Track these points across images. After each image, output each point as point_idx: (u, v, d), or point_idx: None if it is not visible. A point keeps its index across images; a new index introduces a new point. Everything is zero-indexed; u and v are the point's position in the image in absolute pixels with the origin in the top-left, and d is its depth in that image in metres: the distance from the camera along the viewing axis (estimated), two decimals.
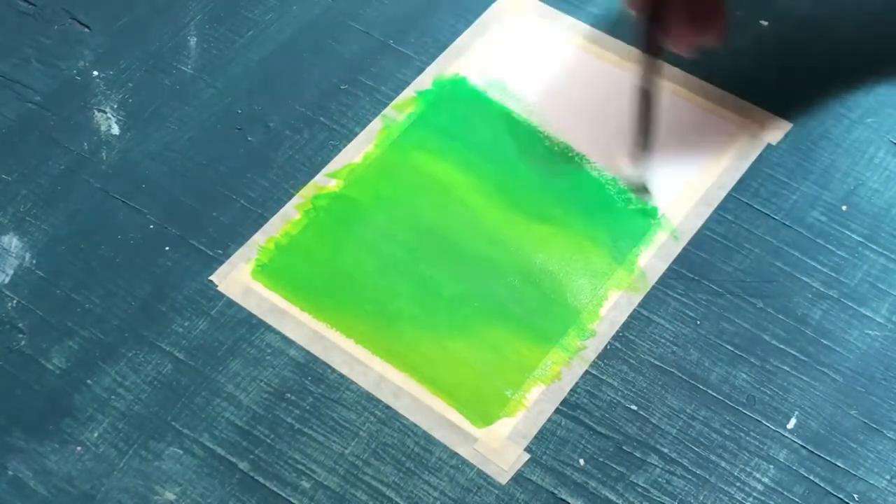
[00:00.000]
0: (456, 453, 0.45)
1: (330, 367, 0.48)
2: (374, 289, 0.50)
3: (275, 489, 0.45)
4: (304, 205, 0.52)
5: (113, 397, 0.47)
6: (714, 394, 0.47)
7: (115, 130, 0.55)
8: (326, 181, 0.53)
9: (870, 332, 0.48)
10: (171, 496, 0.45)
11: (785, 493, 0.44)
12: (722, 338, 0.48)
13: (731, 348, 0.48)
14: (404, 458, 0.45)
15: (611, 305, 0.49)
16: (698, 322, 0.48)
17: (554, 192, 0.52)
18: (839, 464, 0.45)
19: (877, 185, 0.53)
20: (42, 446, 0.46)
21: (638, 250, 0.50)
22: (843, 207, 0.52)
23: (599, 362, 0.47)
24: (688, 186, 0.52)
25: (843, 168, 0.53)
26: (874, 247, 0.51)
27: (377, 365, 0.48)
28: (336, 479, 0.45)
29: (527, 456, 0.45)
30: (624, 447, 0.45)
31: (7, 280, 0.50)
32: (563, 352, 0.48)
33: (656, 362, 0.47)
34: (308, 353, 0.48)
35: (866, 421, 0.46)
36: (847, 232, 0.51)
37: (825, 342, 0.48)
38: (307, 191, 0.53)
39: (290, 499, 0.44)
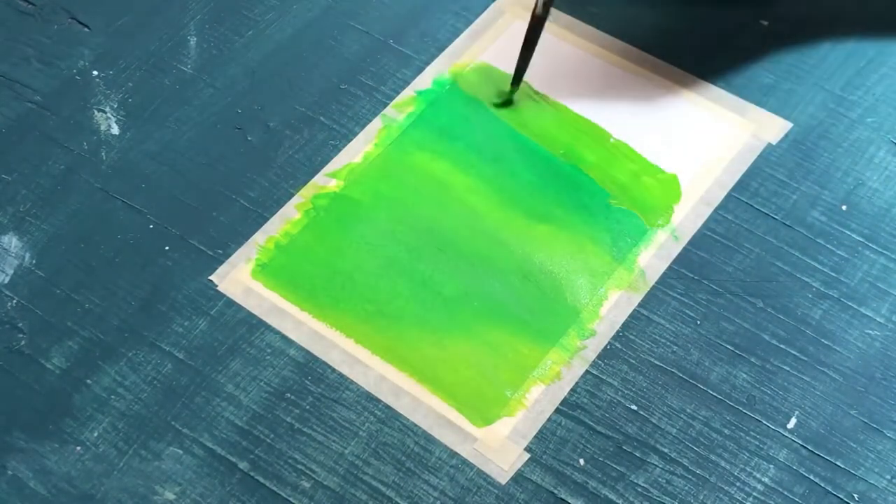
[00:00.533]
0: (456, 453, 0.45)
1: (330, 366, 0.48)
2: (374, 289, 0.50)
3: (275, 489, 0.45)
4: (304, 204, 0.52)
5: (113, 397, 0.47)
6: (714, 394, 0.47)
7: (115, 130, 0.55)
8: (326, 181, 0.53)
9: (870, 331, 0.48)
10: (170, 496, 0.45)
11: (785, 492, 0.44)
12: (722, 337, 0.48)
13: (731, 348, 0.48)
14: (404, 458, 0.45)
15: (611, 305, 0.49)
16: (698, 322, 0.48)
17: (554, 192, 0.52)
18: (839, 464, 0.45)
19: (877, 184, 0.53)
20: (42, 446, 0.46)
21: (638, 250, 0.50)
22: (843, 207, 0.52)
23: (599, 362, 0.47)
24: (688, 186, 0.52)
25: (843, 168, 0.53)
26: (874, 247, 0.51)
27: (377, 365, 0.48)
28: (336, 478, 0.45)
29: (527, 456, 0.45)
30: (624, 447, 0.45)
31: (7, 280, 0.50)
32: (563, 351, 0.48)
33: (656, 362, 0.47)
34: (308, 352, 0.48)
35: (866, 421, 0.46)
36: (847, 232, 0.51)
37: (825, 342, 0.48)
38: (307, 190, 0.53)
39: (290, 499, 0.44)
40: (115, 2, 0.61)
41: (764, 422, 0.46)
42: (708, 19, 0.58)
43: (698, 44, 0.57)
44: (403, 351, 0.48)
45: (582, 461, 0.45)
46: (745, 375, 0.47)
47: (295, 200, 0.53)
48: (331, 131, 0.55)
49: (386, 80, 0.57)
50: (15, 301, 0.50)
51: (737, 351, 0.48)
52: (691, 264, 0.50)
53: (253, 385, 0.47)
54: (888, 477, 0.44)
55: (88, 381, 0.47)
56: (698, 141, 0.54)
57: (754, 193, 0.52)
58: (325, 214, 0.52)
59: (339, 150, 0.54)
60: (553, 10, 0.59)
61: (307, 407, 0.47)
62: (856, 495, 0.44)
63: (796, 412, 0.46)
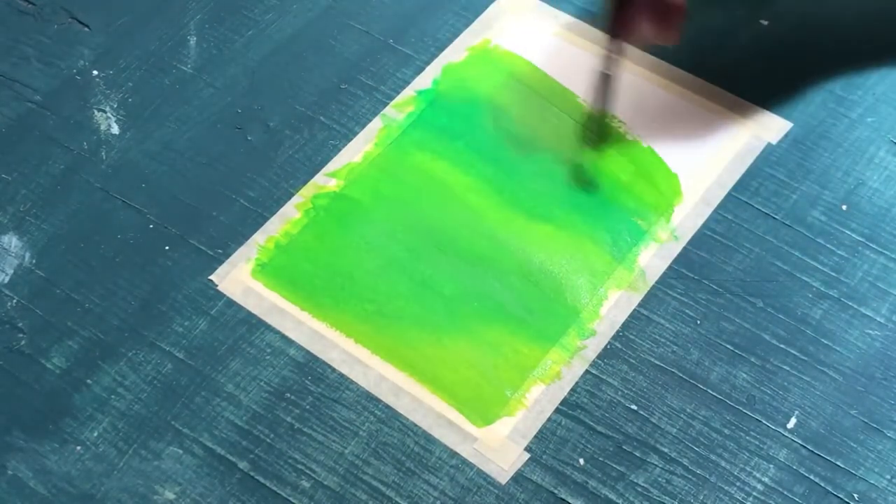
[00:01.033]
0: (456, 453, 0.45)
1: (330, 366, 0.48)
2: (373, 289, 0.50)
3: (275, 489, 0.45)
4: (304, 204, 0.52)
5: (113, 397, 0.47)
6: (714, 393, 0.47)
7: (115, 130, 0.55)
8: (326, 181, 0.53)
9: (870, 331, 0.48)
10: (170, 495, 0.45)
11: (785, 492, 0.44)
12: (722, 337, 0.48)
13: (731, 348, 0.48)
14: (404, 458, 0.45)
15: (611, 305, 0.49)
16: (698, 322, 0.48)
17: (554, 191, 0.52)
18: (839, 463, 0.45)
19: (877, 184, 0.53)
20: (42, 446, 0.46)
21: (638, 250, 0.50)
22: (843, 207, 0.52)
23: (599, 362, 0.47)
24: (688, 186, 0.52)
25: (844, 168, 0.53)
26: (874, 246, 0.51)
27: (377, 364, 0.48)
28: (336, 478, 0.45)
29: (527, 455, 0.45)
30: (624, 447, 0.45)
31: (7, 280, 0.50)
32: (564, 351, 0.48)
33: (656, 362, 0.47)
34: (308, 352, 0.48)
35: (866, 420, 0.46)
36: (847, 231, 0.51)
37: (825, 342, 0.48)
38: (307, 190, 0.53)
39: (290, 498, 0.44)
40: (115, 2, 0.61)
41: (764, 422, 0.46)
42: (708, 19, 0.58)
43: (698, 43, 0.57)
44: (403, 351, 0.48)
45: (582, 461, 0.45)
46: (745, 375, 0.47)
47: (295, 200, 0.53)
48: (331, 131, 0.55)
49: (386, 80, 0.57)
50: (15, 301, 0.50)
51: (737, 351, 0.48)
52: (691, 264, 0.50)
53: (253, 385, 0.47)
54: (888, 477, 0.44)
55: (88, 381, 0.47)
56: (698, 141, 0.54)
57: (754, 193, 0.52)
58: (325, 214, 0.52)
59: (339, 150, 0.54)
60: (551, 11, 0.59)
61: (307, 407, 0.47)
62: (856, 495, 0.44)
63: (796, 412, 0.46)
